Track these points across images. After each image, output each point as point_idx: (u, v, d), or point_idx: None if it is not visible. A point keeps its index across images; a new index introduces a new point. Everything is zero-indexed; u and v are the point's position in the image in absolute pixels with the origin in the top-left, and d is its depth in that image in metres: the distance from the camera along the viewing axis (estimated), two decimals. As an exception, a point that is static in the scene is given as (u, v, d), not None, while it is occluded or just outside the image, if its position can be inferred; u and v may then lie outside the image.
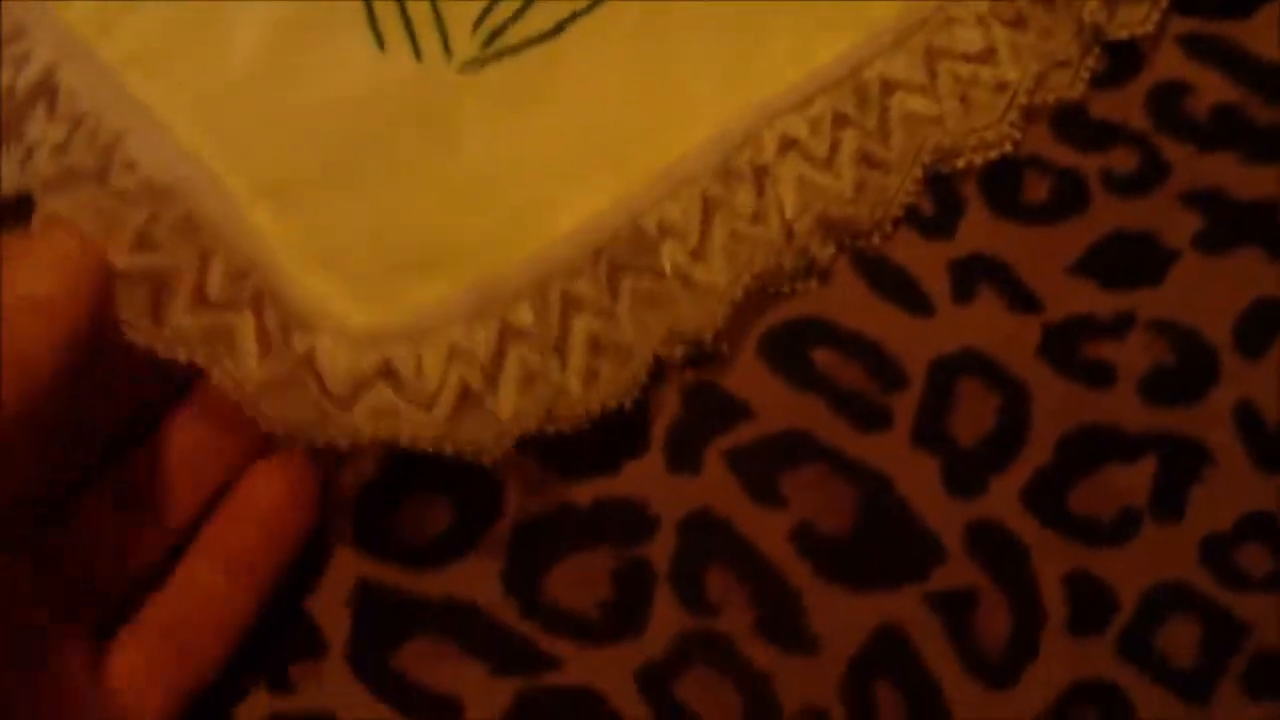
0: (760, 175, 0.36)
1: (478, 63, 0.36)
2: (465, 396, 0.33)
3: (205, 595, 0.33)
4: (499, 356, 0.33)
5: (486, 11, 0.36)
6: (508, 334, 0.33)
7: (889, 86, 0.37)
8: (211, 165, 0.33)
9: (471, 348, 0.33)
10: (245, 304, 0.32)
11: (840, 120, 0.36)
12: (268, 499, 0.34)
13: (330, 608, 0.35)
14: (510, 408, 0.33)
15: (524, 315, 0.33)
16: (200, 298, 0.32)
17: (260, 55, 0.35)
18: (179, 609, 0.33)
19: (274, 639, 0.34)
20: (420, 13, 0.36)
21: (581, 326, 0.34)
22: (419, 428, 0.32)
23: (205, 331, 0.32)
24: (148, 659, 0.32)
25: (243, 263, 0.33)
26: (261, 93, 0.35)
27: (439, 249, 0.34)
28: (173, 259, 0.32)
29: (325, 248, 0.33)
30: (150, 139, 0.33)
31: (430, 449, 0.32)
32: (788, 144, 0.36)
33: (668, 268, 0.35)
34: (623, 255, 0.35)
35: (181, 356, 0.32)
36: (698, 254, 0.35)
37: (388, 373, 0.32)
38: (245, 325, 0.32)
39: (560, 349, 0.34)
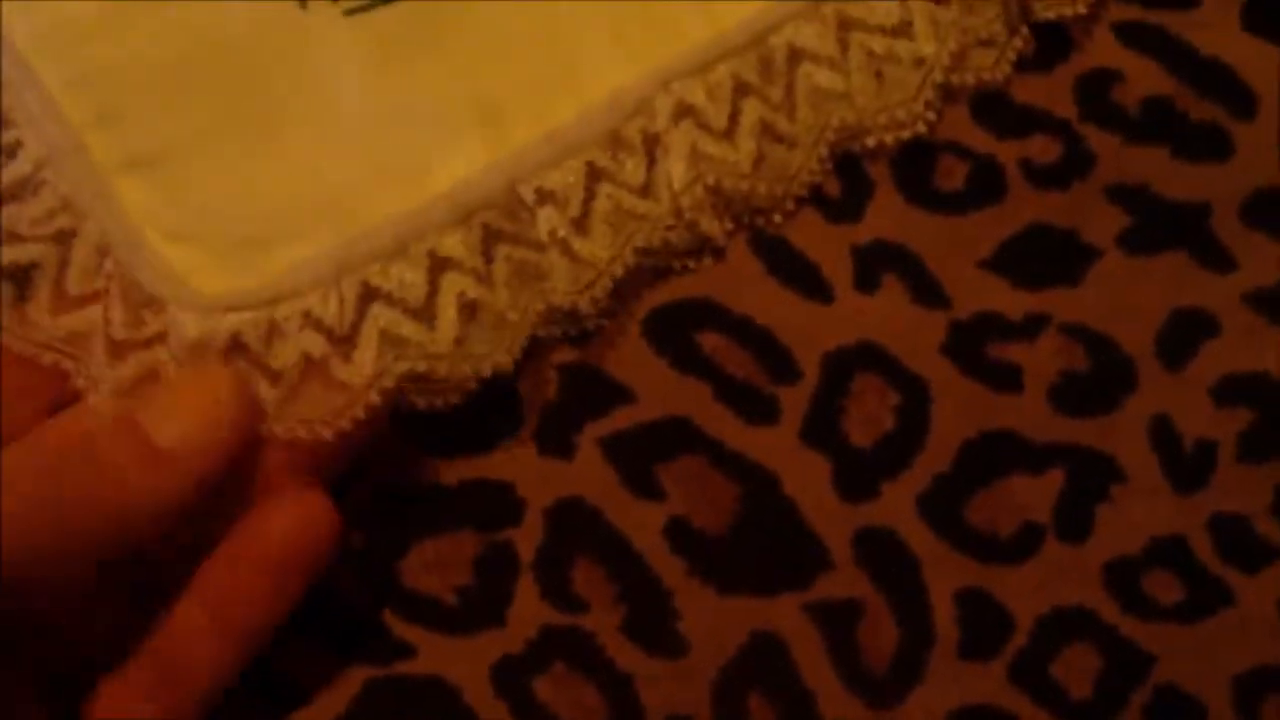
0: (651, 144, 0.33)
1: (363, 8, 0.34)
2: (313, 365, 0.30)
3: (193, 640, 0.30)
4: (358, 319, 0.31)
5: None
6: (369, 296, 0.31)
7: (797, 56, 0.34)
8: (78, 126, 0.32)
9: (325, 314, 0.31)
10: (100, 295, 0.31)
11: (742, 89, 0.34)
12: (277, 541, 0.30)
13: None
14: (365, 374, 0.30)
15: (387, 275, 0.31)
16: (60, 293, 0.31)
17: None
18: (165, 652, 0.30)
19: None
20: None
21: (450, 287, 0.32)
22: (265, 408, 0.30)
23: (67, 331, 0.30)
24: (127, 701, 0.30)
25: (103, 241, 0.31)
26: (124, 38, 0.33)
27: (304, 211, 0.32)
28: (34, 252, 0.31)
29: (191, 217, 0.32)
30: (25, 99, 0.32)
31: (274, 425, 0.30)
32: (683, 111, 0.33)
33: (545, 236, 0.32)
34: (497, 220, 0.32)
35: (47, 360, 0.30)
36: (579, 224, 0.33)
37: (238, 346, 0.30)
38: (98, 321, 0.31)
39: (428, 310, 0.31)
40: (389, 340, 0.31)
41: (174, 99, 0.33)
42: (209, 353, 0.30)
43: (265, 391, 0.30)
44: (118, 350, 0.30)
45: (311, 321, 0.30)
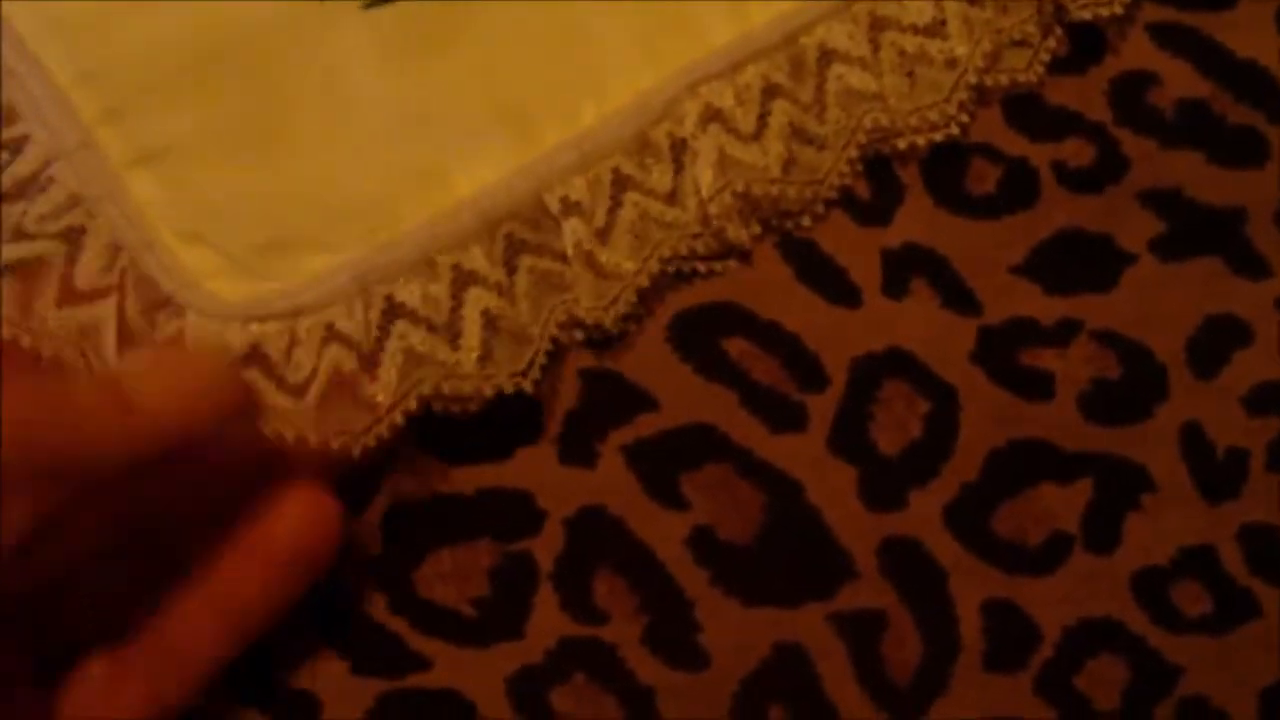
0: (678, 150, 0.33)
1: (381, 1, 0.33)
2: (340, 381, 0.30)
3: (188, 627, 0.29)
4: (382, 336, 0.30)
5: (400, -52, 0.33)
6: (393, 311, 0.31)
7: (828, 56, 0.34)
8: (87, 121, 0.31)
9: (350, 329, 0.30)
10: (112, 290, 0.30)
11: (771, 91, 0.33)
12: (282, 536, 0.30)
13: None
14: (390, 392, 0.30)
15: (411, 291, 0.31)
16: (68, 289, 0.30)
17: None
18: (157, 635, 0.29)
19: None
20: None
21: (475, 302, 0.31)
22: (285, 418, 0.30)
23: (75, 326, 0.30)
24: (116, 687, 0.29)
25: (115, 238, 0.30)
26: (139, 29, 0.32)
27: (324, 215, 0.31)
28: (41, 248, 0.30)
29: (205, 217, 0.31)
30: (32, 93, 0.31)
31: (295, 441, 0.30)
32: (710, 115, 0.33)
33: (570, 249, 0.32)
34: (522, 231, 0.32)
35: (48, 352, 0.30)
36: (603, 234, 0.32)
37: (256, 355, 0.30)
38: (112, 317, 0.30)
39: (452, 326, 0.31)
40: (413, 359, 0.30)
41: (186, 93, 0.32)
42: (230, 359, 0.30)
43: (282, 401, 0.29)
44: (129, 346, 0.30)
45: (335, 335, 0.30)
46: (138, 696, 0.29)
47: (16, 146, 0.31)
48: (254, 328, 0.30)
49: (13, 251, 0.30)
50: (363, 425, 0.29)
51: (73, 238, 0.30)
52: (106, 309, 0.30)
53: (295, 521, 0.29)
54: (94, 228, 0.30)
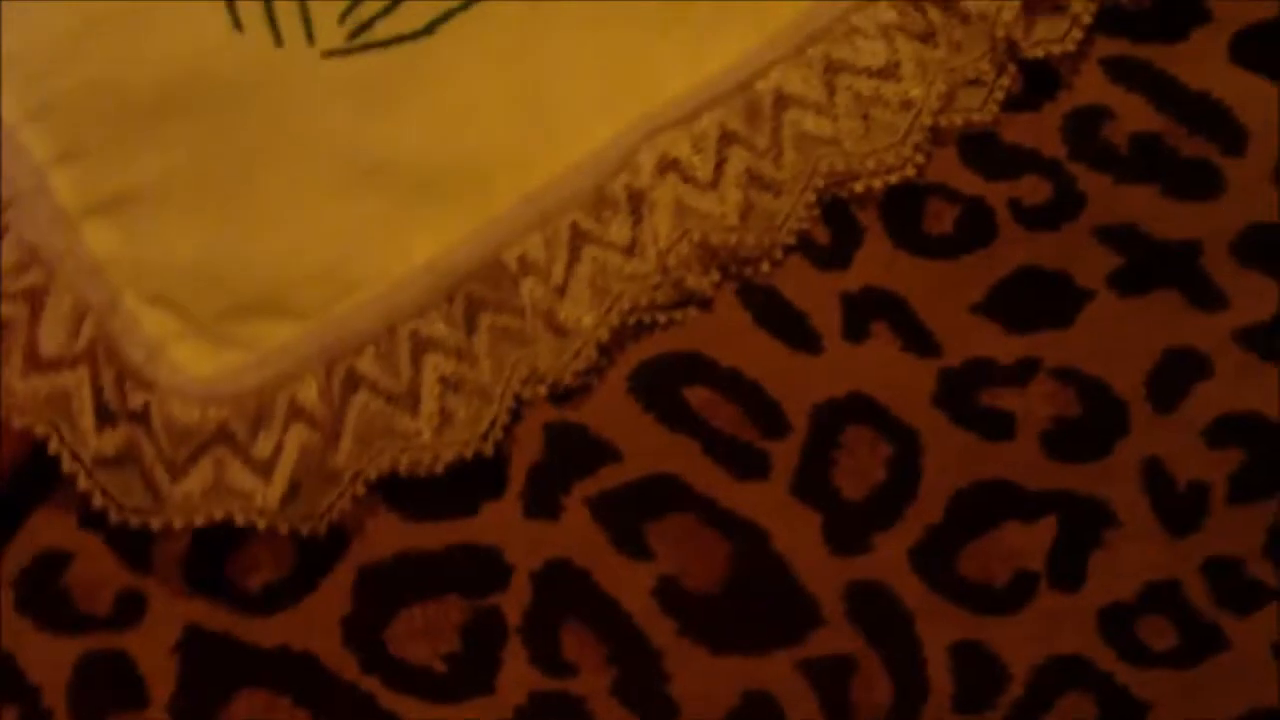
0: (636, 201, 0.33)
1: (341, 51, 0.33)
2: (304, 456, 0.30)
3: None
4: (343, 406, 0.30)
5: (355, 2, 0.33)
6: (352, 382, 0.31)
7: (783, 101, 0.34)
8: (40, 164, 0.31)
9: (313, 403, 0.30)
10: (82, 358, 0.30)
11: (728, 138, 0.33)
12: None
13: (155, 655, 0.31)
14: (353, 464, 0.30)
15: (371, 362, 0.31)
16: (33, 355, 0.30)
17: (95, 25, 0.32)
18: None
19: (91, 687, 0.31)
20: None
21: (433, 369, 0.31)
22: (253, 502, 0.30)
23: (43, 397, 0.30)
24: None
25: (79, 301, 0.30)
26: (92, 67, 0.32)
27: (286, 279, 0.31)
28: (4, 312, 0.30)
29: (167, 276, 0.31)
30: None
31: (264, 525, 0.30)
32: (667, 164, 0.33)
33: (528, 307, 0.32)
34: (481, 290, 0.32)
35: (18, 424, 0.29)
36: (562, 290, 0.32)
37: (224, 436, 0.30)
38: (82, 387, 0.30)
39: (412, 393, 0.31)
40: (373, 429, 0.30)
41: (142, 134, 0.31)
42: (195, 440, 0.29)
43: (249, 483, 0.29)
44: (107, 419, 0.29)
45: (298, 411, 0.30)
46: None
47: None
48: (218, 409, 0.29)
49: None
50: (326, 500, 0.29)
51: (34, 298, 0.30)
52: (77, 378, 0.30)
53: None
54: (55, 288, 0.30)
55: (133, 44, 0.32)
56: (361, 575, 0.32)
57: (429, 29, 0.33)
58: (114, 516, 0.29)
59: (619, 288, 0.32)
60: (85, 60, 0.32)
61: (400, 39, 0.33)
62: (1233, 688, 0.33)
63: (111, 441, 0.29)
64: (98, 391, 0.30)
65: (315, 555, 0.32)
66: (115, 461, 0.29)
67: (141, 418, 0.30)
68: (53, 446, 0.29)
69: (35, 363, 0.30)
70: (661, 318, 0.33)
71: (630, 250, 0.32)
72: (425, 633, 0.32)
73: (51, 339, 0.30)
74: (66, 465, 0.29)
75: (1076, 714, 0.33)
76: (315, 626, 0.32)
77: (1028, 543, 0.33)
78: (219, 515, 0.29)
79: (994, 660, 0.33)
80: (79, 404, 0.29)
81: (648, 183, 0.32)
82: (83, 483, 0.29)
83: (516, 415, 0.32)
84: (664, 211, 0.32)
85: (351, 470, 0.30)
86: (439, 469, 0.31)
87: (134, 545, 0.31)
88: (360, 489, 0.29)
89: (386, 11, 0.33)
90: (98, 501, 0.29)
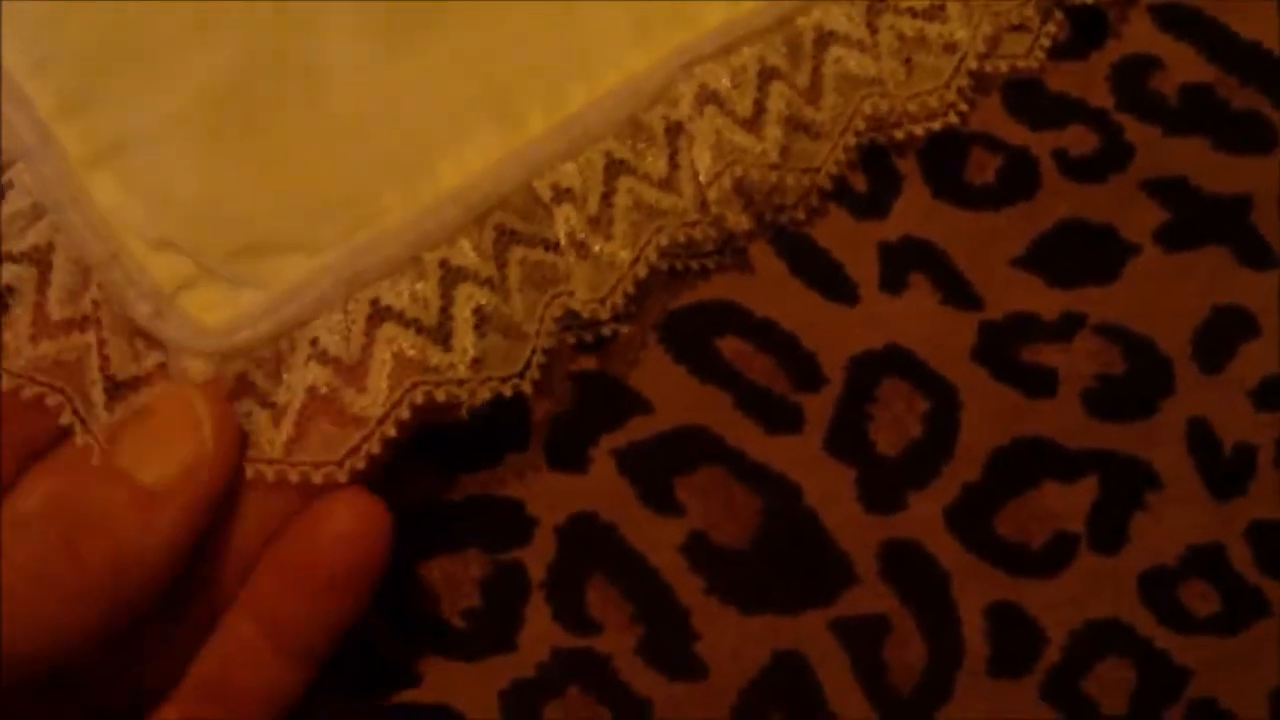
0: (674, 134, 0.31)
1: (356, -16, 0.31)
2: (320, 399, 0.28)
3: (248, 659, 0.28)
4: (368, 343, 0.29)
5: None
6: (378, 315, 0.29)
7: (825, 39, 0.32)
8: (43, 116, 0.29)
9: (333, 342, 0.28)
10: (91, 319, 0.28)
11: (768, 73, 0.32)
12: (327, 548, 0.28)
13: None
14: (380, 404, 0.28)
15: (397, 292, 0.29)
16: (42, 319, 0.28)
17: None
18: (219, 672, 0.28)
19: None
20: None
21: (465, 299, 0.29)
22: (268, 454, 0.28)
23: (52, 363, 0.28)
24: None
25: (84, 254, 0.28)
26: (97, 11, 0.30)
27: (302, 211, 0.30)
28: (9, 275, 0.28)
29: (174, 219, 0.29)
30: None
31: (283, 469, 0.28)
32: (706, 97, 0.31)
33: (563, 238, 0.30)
34: (512, 221, 0.30)
35: (28, 395, 0.28)
36: (597, 223, 0.31)
37: (244, 387, 0.28)
38: (91, 352, 0.28)
39: (442, 327, 0.29)
40: (403, 365, 0.28)
41: (149, 78, 0.30)
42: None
43: (270, 430, 0.28)
44: (115, 389, 0.28)
45: (318, 352, 0.28)
46: None
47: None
48: (239, 362, 0.28)
49: None
50: (349, 444, 0.28)
51: (41, 258, 0.29)
52: (84, 341, 0.28)
53: (340, 531, 0.28)
54: (61, 244, 0.29)
55: None
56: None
57: None
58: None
59: (656, 222, 0.31)
60: (90, 7, 0.30)
61: None
62: (1276, 655, 0.32)
63: (126, 411, 0.28)
64: (104, 359, 0.28)
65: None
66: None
67: (155, 378, 0.28)
68: (65, 419, 0.28)
69: (44, 327, 0.28)
70: (695, 264, 0.32)
71: (667, 184, 0.31)
72: (444, 587, 0.31)
73: (58, 301, 0.28)
74: (80, 439, 0.28)
75: (1115, 679, 0.32)
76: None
77: (1068, 503, 0.32)
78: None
79: (1031, 623, 0.32)
80: (90, 371, 0.28)
81: (687, 114, 0.31)
82: (97, 458, 0.28)
83: (543, 363, 0.31)
84: (704, 144, 0.31)
85: (380, 411, 0.28)
86: (476, 404, 0.29)
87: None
88: (391, 429, 0.28)
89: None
90: None
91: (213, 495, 0.27)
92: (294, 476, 0.28)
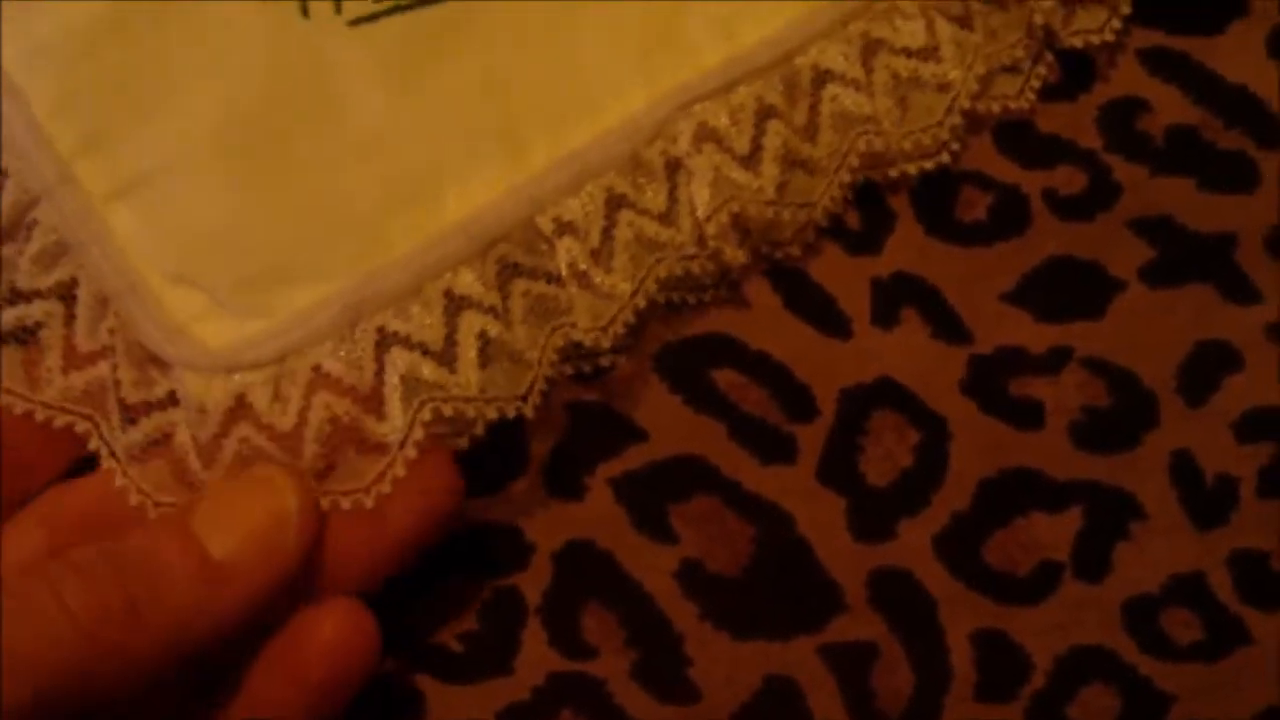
0: (673, 169, 0.32)
1: (370, 18, 0.32)
2: (338, 430, 0.29)
3: None
4: (378, 369, 0.29)
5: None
6: (385, 342, 0.30)
7: (821, 78, 0.33)
8: (65, 154, 0.30)
9: (341, 369, 0.29)
10: (112, 348, 0.29)
11: (765, 111, 0.33)
12: (318, 656, 0.28)
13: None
14: (399, 427, 0.29)
15: (403, 319, 0.30)
16: (70, 351, 0.29)
17: (122, 10, 0.31)
18: None
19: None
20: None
21: (469, 326, 0.30)
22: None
23: (79, 390, 0.29)
24: None
25: (103, 287, 0.30)
26: (117, 49, 0.31)
27: (311, 240, 0.31)
28: (39, 311, 0.30)
29: (188, 251, 0.30)
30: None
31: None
32: (705, 134, 0.32)
33: (564, 269, 0.31)
34: (514, 253, 0.31)
35: (59, 423, 0.29)
36: (598, 256, 0.32)
37: (244, 409, 0.29)
38: (110, 378, 0.29)
39: (447, 352, 0.30)
40: (413, 387, 0.29)
41: (162, 114, 0.31)
42: (214, 417, 0.29)
43: (277, 456, 0.29)
44: (130, 413, 0.29)
45: (324, 378, 0.29)
46: None
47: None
48: (237, 379, 0.29)
49: (10, 317, 0.29)
50: (373, 473, 0.29)
51: (66, 293, 0.30)
52: (105, 370, 0.29)
53: (331, 640, 0.28)
54: (84, 278, 0.30)
55: (158, 26, 0.31)
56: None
57: None
58: (151, 512, 0.29)
59: (655, 256, 0.32)
60: (110, 44, 0.31)
61: (428, 1, 0.32)
62: (1257, 682, 0.33)
63: (141, 432, 0.29)
64: (116, 384, 0.29)
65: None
66: (146, 453, 0.29)
67: (166, 404, 0.29)
68: (91, 444, 0.29)
69: (72, 359, 0.29)
70: (691, 298, 0.33)
71: (666, 218, 0.32)
72: (443, 611, 0.32)
73: (84, 333, 0.30)
74: (104, 461, 0.29)
75: (1099, 705, 0.32)
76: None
77: (1053, 533, 0.33)
78: None
79: (1017, 650, 0.32)
80: (110, 397, 0.29)
81: (685, 150, 0.32)
82: (119, 479, 0.29)
83: (542, 392, 0.32)
84: (702, 180, 0.32)
85: (399, 435, 0.29)
86: (478, 432, 0.30)
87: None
88: (412, 451, 0.29)
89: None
90: (134, 499, 0.29)
91: (283, 579, 0.28)
92: (324, 504, 0.29)
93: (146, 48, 0.31)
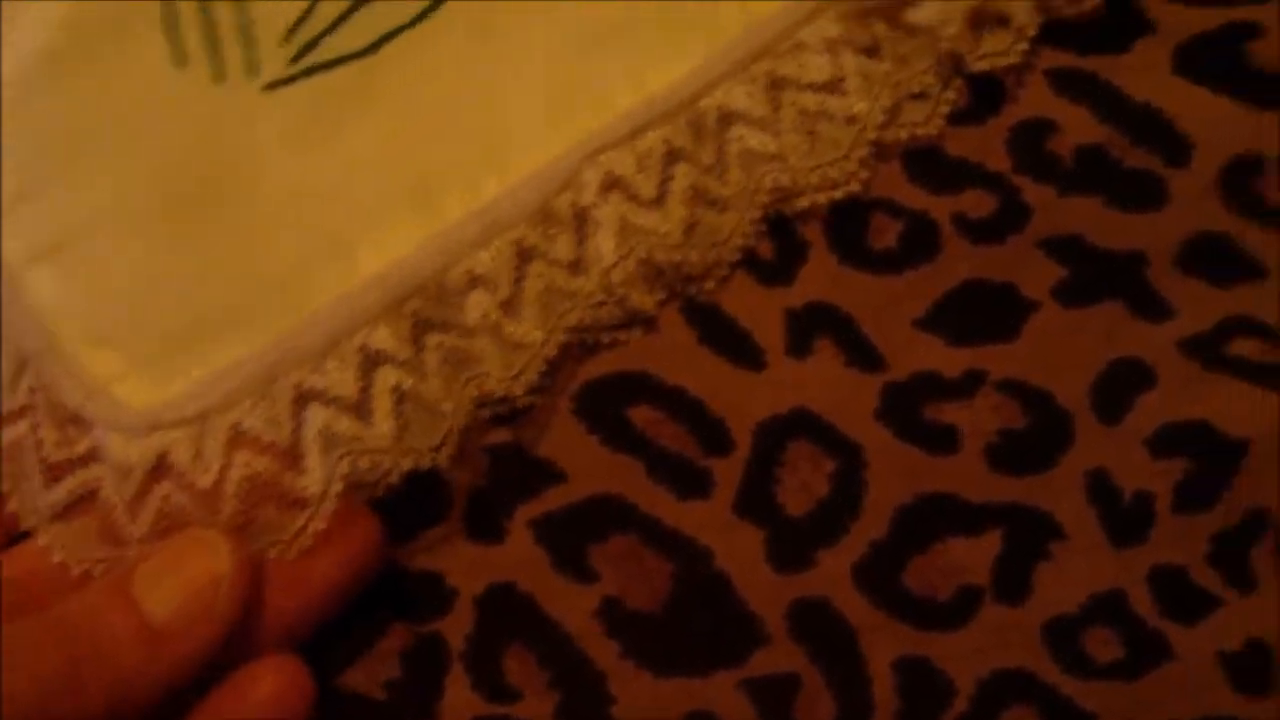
0: (581, 219, 0.32)
1: (284, 81, 0.32)
2: (257, 486, 0.29)
3: None
4: (296, 425, 0.30)
5: (301, 20, 0.33)
6: (302, 398, 0.30)
7: (727, 118, 0.33)
8: None
9: (260, 426, 0.30)
10: (32, 407, 0.30)
11: (673, 155, 0.33)
12: (253, 711, 0.29)
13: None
14: (319, 481, 0.30)
15: (319, 376, 0.30)
16: None
17: (38, 65, 0.31)
18: None
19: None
20: (228, 16, 0.33)
21: (384, 380, 0.31)
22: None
23: (2, 452, 0.30)
24: None
25: (20, 351, 0.30)
26: (35, 114, 0.31)
27: (227, 305, 0.31)
28: None
29: (107, 313, 0.31)
30: None
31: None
32: (610, 182, 0.32)
33: (475, 321, 0.31)
34: (428, 309, 0.31)
35: None
36: (509, 307, 0.32)
37: (165, 468, 0.29)
38: (28, 439, 0.30)
39: (363, 406, 0.30)
40: (331, 441, 0.30)
41: (79, 177, 0.31)
42: (137, 475, 0.29)
43: (197, 514, 0.29)
44: (53, 471, 0.29)
45: (243, 437, 0.29)
46: None
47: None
48: (157, 437, 0.29)
49: None
50: (295, 527, 0.29)
51: None
52: (22, 430, 0.30)
53: (267, 697, 0.29)
54: (3, 338, 0.30)
55: (74, 90, 0.32)
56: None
57: (374, 46, 0.33)
58: (75, 570, 0.29)
59: (565, 304, 0.32)
60: (31, 106, 0.31)
61: (344, 59, 0.33)
62: (1179, 697, 0.33)
63: (65, 490, 0.29)
64: (39, 443, 0.29)
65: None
66: (69, 511, 0.29)
67: (88, 460, 0.29)
68: (12, 505, 0.29)
69: None
70: (606, 338, 0.33)
71: (575, 267, 0.32)
72: (366, 660, 0.32)
73: (4, 392, 0.30)
74: (26, 521, 0.29)
75: (1021, 728, 0.33)
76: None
77: (972, 557, 0.33)
78: None
79: (939, 675, 0.33)
80: (29, 457, 0.29)
81: (592, 200, 0.32)
82: (42, 539, 0.29)
83: (460, 436, 0.32)
84: (608, 230, 0.32)
85: (319, 488, 0.29)
86: (394, 482, 0.31)
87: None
88: (332, 503, 0.29)
89: (332, 29, 0.33)
90: (57, 556, 0.29)
91: (220, 637, 0.28)
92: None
93: (62, 111, 0.31)
